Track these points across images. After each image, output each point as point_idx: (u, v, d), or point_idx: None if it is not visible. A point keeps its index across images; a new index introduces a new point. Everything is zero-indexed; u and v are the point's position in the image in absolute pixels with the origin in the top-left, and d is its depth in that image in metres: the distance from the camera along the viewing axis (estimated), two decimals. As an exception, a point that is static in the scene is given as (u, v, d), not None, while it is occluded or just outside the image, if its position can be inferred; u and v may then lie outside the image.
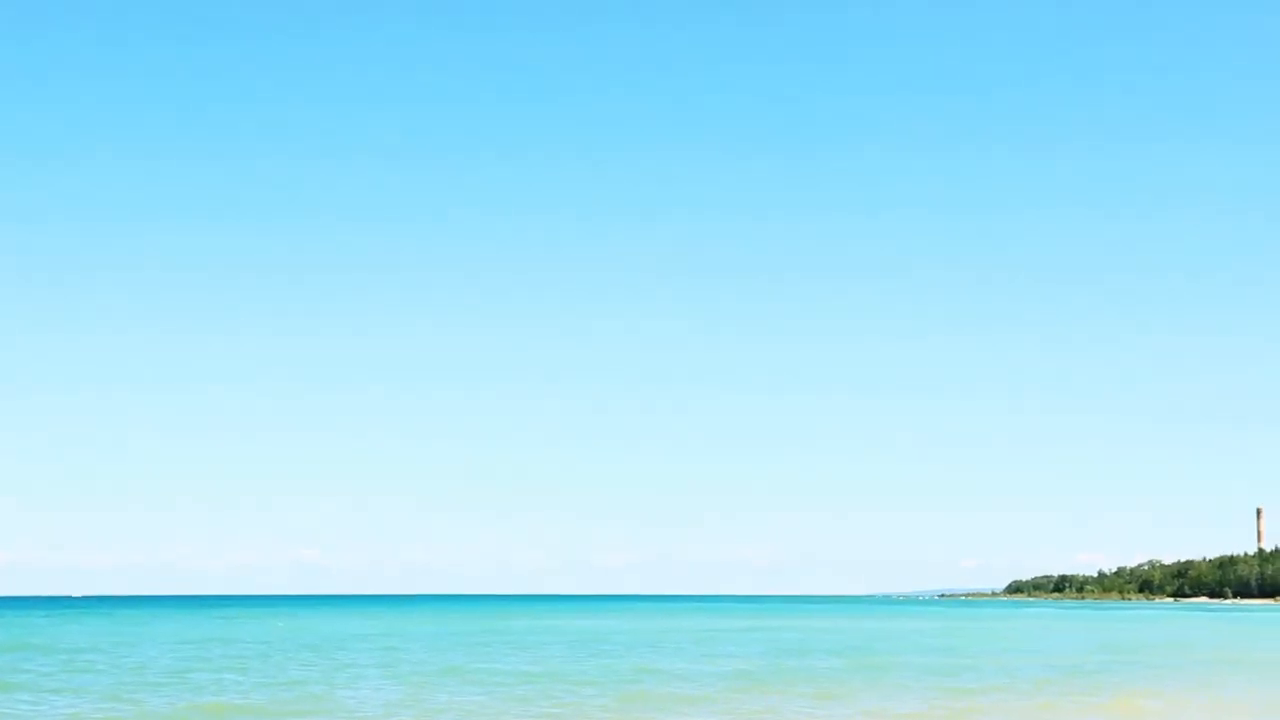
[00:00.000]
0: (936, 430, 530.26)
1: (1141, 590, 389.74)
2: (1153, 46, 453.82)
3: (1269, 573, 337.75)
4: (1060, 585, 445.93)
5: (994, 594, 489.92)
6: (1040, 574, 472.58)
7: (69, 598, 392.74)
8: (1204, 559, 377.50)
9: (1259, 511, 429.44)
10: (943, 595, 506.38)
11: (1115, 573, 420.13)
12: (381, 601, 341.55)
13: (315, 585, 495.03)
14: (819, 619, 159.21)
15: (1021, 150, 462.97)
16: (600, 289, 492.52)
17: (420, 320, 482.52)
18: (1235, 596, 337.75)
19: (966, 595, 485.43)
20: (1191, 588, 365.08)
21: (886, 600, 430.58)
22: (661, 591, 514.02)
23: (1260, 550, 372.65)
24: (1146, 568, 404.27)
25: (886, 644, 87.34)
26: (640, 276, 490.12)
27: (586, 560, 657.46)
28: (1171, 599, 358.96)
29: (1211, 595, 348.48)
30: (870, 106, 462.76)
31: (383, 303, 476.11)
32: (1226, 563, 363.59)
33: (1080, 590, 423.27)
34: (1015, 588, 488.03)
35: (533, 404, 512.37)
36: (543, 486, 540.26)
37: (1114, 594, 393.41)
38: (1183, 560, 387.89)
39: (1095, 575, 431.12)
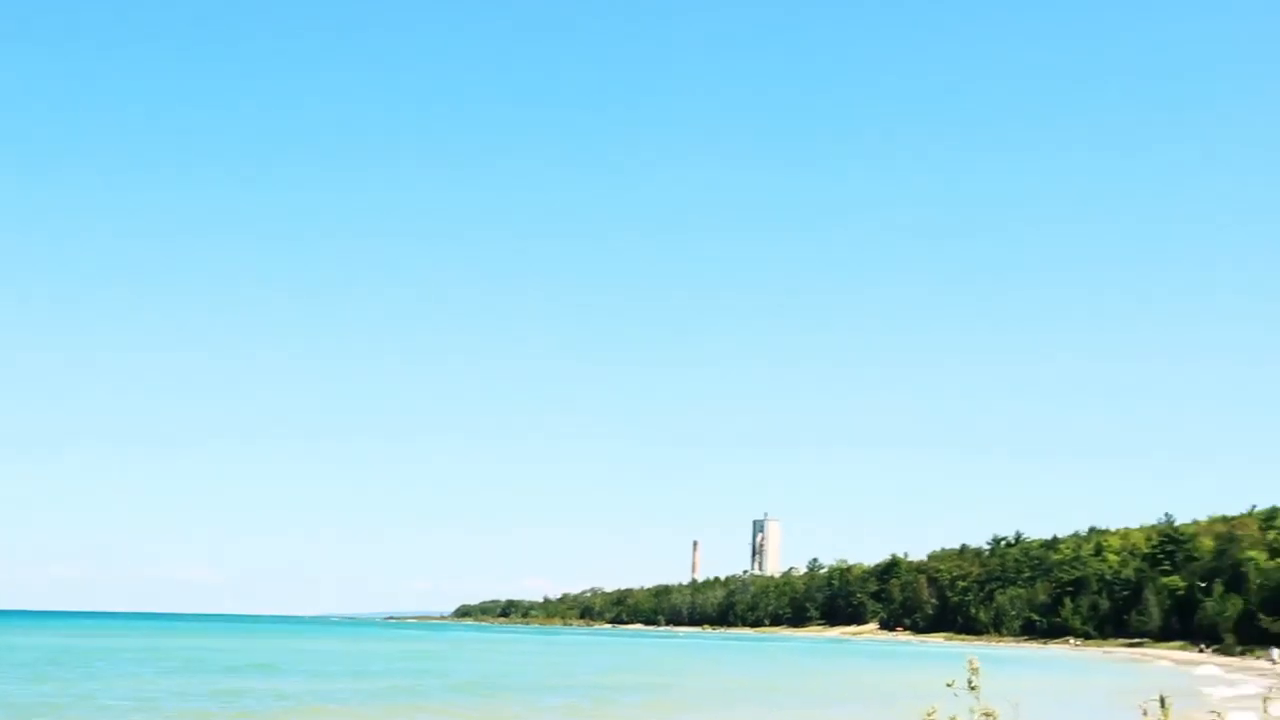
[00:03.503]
0: (389, 454, 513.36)
1: (583, 616, 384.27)
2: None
3: (699, 602, 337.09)
4: (507, 610, 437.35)
5: (442, 618, 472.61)
6: (488, 598, 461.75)
7: None
8: (642, 588, 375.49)
9: (695, 544, 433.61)
10: (390, 618, 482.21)
11: (559, 599, 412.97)
12: None
13: None
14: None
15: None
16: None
17: None
18: (669, 624, 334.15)
19: (415, 618, 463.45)
20: (629, 615, 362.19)
21: (330, 622, 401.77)
22: (99, 608, 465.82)
23: (694, 581, 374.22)
24: (589, 594, 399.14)
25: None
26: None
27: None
28: (610, 625, 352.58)
29: (647, 623, 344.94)
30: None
31: None
32: (662, 592, 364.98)
33: (525, 615, 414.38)
34: (463, 611, 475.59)
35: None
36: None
37: (557, 619, 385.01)
38: (623, 588, 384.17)
39: (541, 600, 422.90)
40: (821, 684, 68.01)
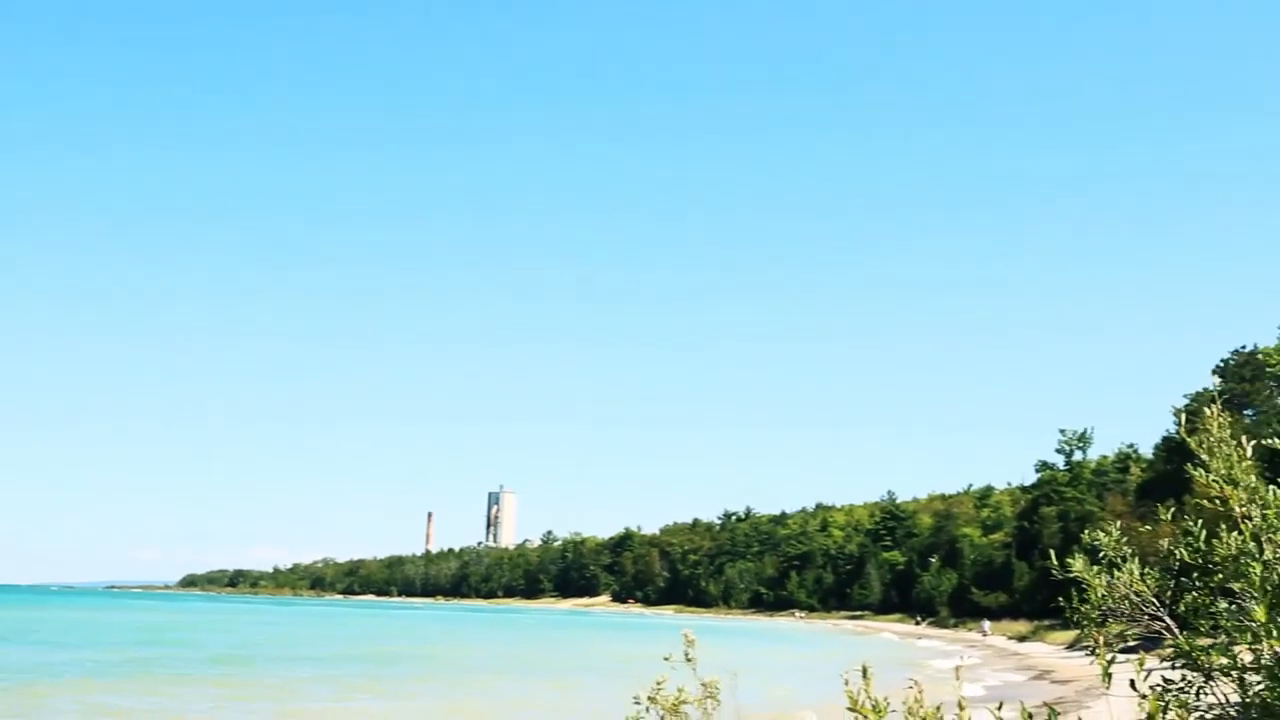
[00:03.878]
0: (114, 419, 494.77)
1: (314, 587, 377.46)
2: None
3: (433, 573, 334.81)
4: (235, 580, 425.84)
5: (167, 587, 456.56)
6: (216, 568, 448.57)
7: None
8: (375, 558, 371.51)
9: (429, 516, 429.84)
10: (112, 587, 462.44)
11: (290, 569, 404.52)
12: None
13: None
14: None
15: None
16: None
17: None
18: (402, 595, 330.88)
19: (140, 588, 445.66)
20: (362, 585, 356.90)
21: (49, 590, 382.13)
22: None
23: (428, 552, 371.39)
24: (320, 565, 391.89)
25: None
26: None
27: None
28: (341, 596, 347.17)
29: (379, 593, 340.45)
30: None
31: None
32: (395, 563, 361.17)
33: (254, 585, 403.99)
34: (190, 581, 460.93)
35: None
36: None
37: (287, 589, 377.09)
38: (355, 559, 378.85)
39: (271, 571, 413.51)
40: (564, 655, 67.95)
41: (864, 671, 4.85)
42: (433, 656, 63.79)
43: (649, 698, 5.67)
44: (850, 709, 4.81)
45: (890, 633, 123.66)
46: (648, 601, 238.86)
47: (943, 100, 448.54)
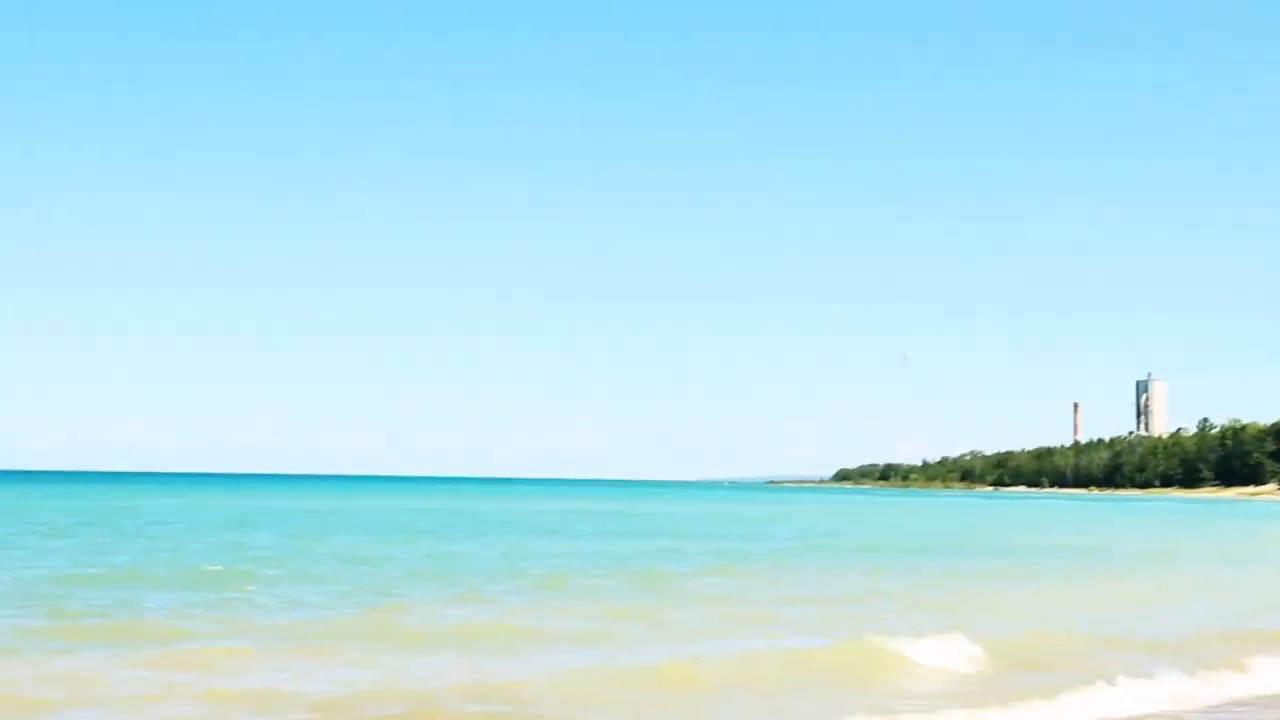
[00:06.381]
0: (761, 319, 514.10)
1: (963, 479, 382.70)
2: None
3: (1083, 464, 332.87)
4: (886, 473, 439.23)
5: (821, 481, 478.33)
6: (866, 462, 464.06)
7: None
8: (1023, 450, 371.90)
9: (1076, 406, 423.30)
10: (771, 482, 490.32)
11: (939, 462, 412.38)
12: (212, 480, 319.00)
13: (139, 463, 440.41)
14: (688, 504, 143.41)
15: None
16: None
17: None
18: (1051, 486, 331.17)
19: (794, 482, 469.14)
20: (1011, 477, 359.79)
21: (720, 486, 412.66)
22: (487, 474, 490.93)
23: (1076, 442, 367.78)
24: (969, 458, 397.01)
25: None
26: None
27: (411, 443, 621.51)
28: (991, 488, 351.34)
29: (1029, 485, 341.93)
30: None
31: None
32: (1044, 454, 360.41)
33: (905, 478, 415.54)
34: (843, 475, 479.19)
35: (352, 284, 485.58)
36: (366, 365, 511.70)
37: (936, 482, 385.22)
38: (1003, 451, 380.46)
39: (919, 464, 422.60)
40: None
41: None
42: (1129, 549, 58.91)
43: None
44: None
45: None
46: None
47: None
